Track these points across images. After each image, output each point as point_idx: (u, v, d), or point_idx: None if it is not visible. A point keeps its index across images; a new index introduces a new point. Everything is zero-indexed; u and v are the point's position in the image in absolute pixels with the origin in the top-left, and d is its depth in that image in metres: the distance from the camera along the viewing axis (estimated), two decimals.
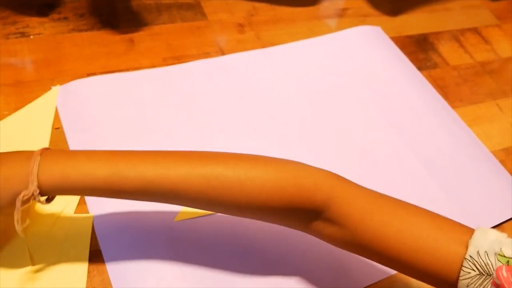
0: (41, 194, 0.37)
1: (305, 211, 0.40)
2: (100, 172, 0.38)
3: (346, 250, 0.42)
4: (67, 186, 0.38)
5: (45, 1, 0.70)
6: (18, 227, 0.37)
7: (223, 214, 0.51)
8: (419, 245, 0.38)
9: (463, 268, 0.36)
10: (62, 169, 0.37)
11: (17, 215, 0.37)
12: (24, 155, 0.38)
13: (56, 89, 0.59)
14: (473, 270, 0.35)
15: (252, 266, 0.49)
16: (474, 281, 0.35)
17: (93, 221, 0.49)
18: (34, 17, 0.68)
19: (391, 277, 0.51)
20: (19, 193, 0.36)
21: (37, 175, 0.37)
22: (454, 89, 0.73)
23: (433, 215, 0.40)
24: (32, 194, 0.36)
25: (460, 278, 0.36)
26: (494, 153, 0.65)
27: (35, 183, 0.36)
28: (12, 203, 0.37)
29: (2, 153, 0.39)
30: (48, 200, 0.40)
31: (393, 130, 0.64)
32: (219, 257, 0.49)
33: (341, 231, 0.40)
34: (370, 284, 0.50)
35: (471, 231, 0.38)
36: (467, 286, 0.35)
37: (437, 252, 0.37)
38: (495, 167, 0.64)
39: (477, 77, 0.76)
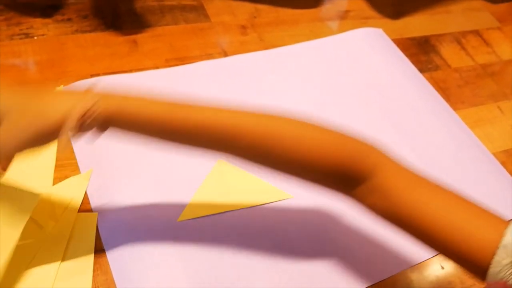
0: (96, 119, 0.37)
1: (353, 175, 0.41)
2: (157, 107, 0.38)
3: (384, 221, 0.42)
4: (122, 116, 0.38)
5: (49, 3, 0.70)
6: (67, 137, 0.36)
7: (225, 214, 0.52)
8: (455, 227, 0.38)
9: (496, 256, 0.36)
10: (120, 101, 0.38)
11: (71, 124, 0.35)
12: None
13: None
14: (506, 259, 0.36)
15: (255, 266, 0.49)
16: (505, 270, 0.35)
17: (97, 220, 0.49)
18: (38, 18, 0.68)
19: (392, 277, 0.51)
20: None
21: (97, 100, 0.36)
22: (455, 91, 0.73)
23: (471, 202, 0.40)
24: (90, 109, 0.35)
25: (491, 265, 0.36)
26: (495, 155, 0.66)
27: (95, 99, 0.36)
28: (60, 126, 0.36)
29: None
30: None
31: (395, 132, 0.64)
32: (223, 257, 0.49)
33: (383, 200, 0.41)
34: (372, 284, 0.50)
35: (507, 222, 0.38)
36: (497, 274, 0.36)
37: (472, 237, 0.38)
38: (496, 168, 0.64)
39: (478, 79, 0.76)
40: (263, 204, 0.54)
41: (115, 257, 0.47)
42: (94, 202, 0.51)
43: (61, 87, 0.60)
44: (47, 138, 0.37)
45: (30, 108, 0.36)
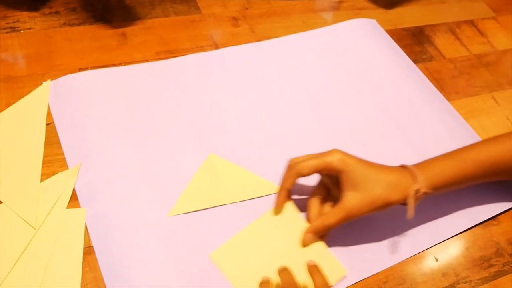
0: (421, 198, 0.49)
1: None
2: (452, 171, 0.50)
3: None
4: (435, 180, 0.49)
5: None
6: (410, 213, 0.48)
7: (216, 208, 0.51)
8: None
9: None
10: (428, 168, 0.49)
11: (411, 203, 0.47)
12: (397, 167, 0.50)
13: (47, 84, 0.59)
14: None
15: None
16: None
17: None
18: (25, 11, 0.67)
19: (386, 271, 0.50)
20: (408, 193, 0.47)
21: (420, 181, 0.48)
22: (450, 81, 0.72)
23: None
24: (419, 189, 0.47)
25: None
26: None
27: (422, 178, 0.48)
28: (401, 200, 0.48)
29: (376, 163, 0.49)
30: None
31: (389, 123, 0.64)
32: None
33: None
34: (365, 278, 0.49)
35: None
36: None
37: None
38: None
39: (473, 70, 0.75)
40: (255, 197, 0.53)
41: (104, 254, 0.46)
42: (83, 198, 0.50)
43: (48, 82, 0.59)
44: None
45: (383, 181, 0.47)
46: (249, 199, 0.53)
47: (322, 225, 0.47)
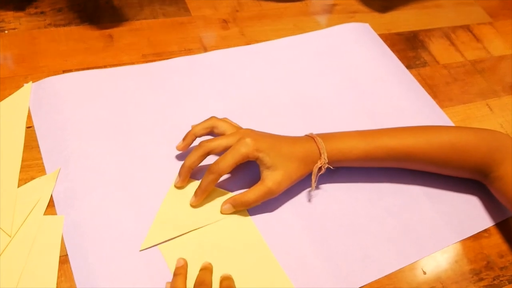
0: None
1: (489, 167, 0.53)
2: (360, 145, 0.52)
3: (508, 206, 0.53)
4: (340, 157, 0.52)
5: None
6: (313, 186, 0.52)
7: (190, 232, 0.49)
8: None
9: None
10: (336, 146, 0.52)
11: (314, 178, 0.52)
12: (306, 139, 0.52)
13: (28, 86, 0.57)
14: None
15: None
16: None
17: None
18: (11, 11, 0.66)
19: (373, 283, 0.49)
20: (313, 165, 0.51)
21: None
22: (443, 88, 0.71)
23: None
24: (324, 164, 0.51)
25: None
26: None
27: (325, 155, 0.51)
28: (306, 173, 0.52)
29: (286, 138, 0.53)
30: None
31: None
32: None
33: (504, 186, 0.52)
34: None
35: None
36: None
37: None
38: None
39: (467, 76, 0.74)
40: (230, 215, 0.51)
41: (78, 264, 0.45)
42: (60, 205, 0.48)
43: (29, 84, 0.58)
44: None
45: (295, 157, 0.51)
46: (224, 218, 0.51)
47: (241, 200, 0.50)
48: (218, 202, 0.51)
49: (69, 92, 0.58)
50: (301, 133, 0.59)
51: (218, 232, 0.49)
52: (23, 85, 0.58)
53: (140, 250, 0.47)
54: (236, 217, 0.51)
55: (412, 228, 0.53)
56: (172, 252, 0.47)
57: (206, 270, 0.46)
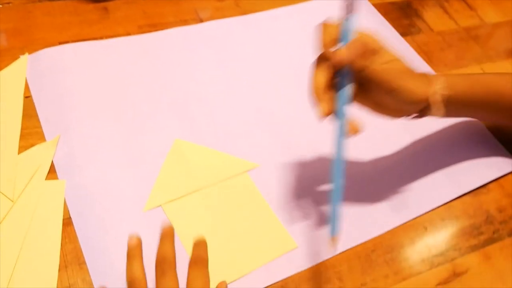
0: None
1: None
2: (475, 89, 0.49)
3: None
4: (455, 99, 0.48)
5: None
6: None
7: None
8: None
9: None
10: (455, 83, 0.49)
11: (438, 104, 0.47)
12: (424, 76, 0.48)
13: (25, 58, 0.57)
14: None
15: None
16: None
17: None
18: None
19: (374, 239, 0.49)
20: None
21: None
22: (438, 54, 0.71)
23: None
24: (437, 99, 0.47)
25: None
26: None
27: (440, 92, 0.47)
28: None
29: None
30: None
31: None
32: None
33: None
34: (353, 246, 0.49)
35: None
36: None
37: None
38: (480, 130, 0.62)
39: (461, 42, 0.74)
40: (230, 177, 0.51)
41: (82, 225, 0.45)
42: (61, 170, 0.49)
43: (25, 55, 0.57)
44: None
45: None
46: (225, 179, 0.51)
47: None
48: (220, 164, 0.52)
49: (66, 63, 0.57)
50: (300, 99, 0.60)
51: (220, 193, 0.50)
52: (19, 57, 0.57)
53: (144, 211, 0.47)
54: (237, 178, 0.51)
55: (413, 184, 0.54)
56: (175, 211, 0.47)
57: (201, 244, 0.42)
